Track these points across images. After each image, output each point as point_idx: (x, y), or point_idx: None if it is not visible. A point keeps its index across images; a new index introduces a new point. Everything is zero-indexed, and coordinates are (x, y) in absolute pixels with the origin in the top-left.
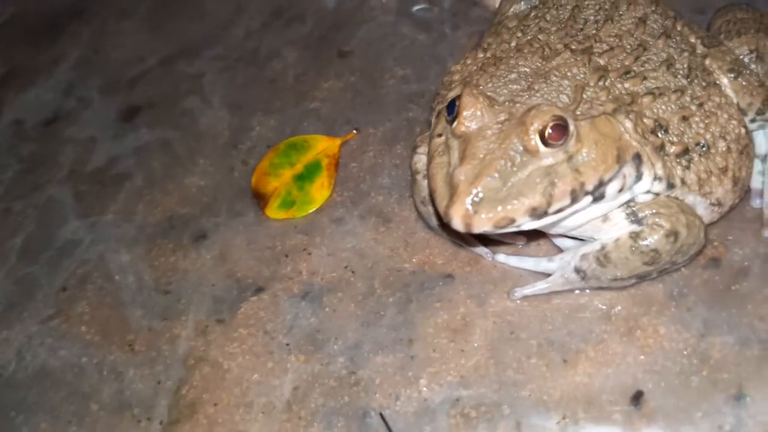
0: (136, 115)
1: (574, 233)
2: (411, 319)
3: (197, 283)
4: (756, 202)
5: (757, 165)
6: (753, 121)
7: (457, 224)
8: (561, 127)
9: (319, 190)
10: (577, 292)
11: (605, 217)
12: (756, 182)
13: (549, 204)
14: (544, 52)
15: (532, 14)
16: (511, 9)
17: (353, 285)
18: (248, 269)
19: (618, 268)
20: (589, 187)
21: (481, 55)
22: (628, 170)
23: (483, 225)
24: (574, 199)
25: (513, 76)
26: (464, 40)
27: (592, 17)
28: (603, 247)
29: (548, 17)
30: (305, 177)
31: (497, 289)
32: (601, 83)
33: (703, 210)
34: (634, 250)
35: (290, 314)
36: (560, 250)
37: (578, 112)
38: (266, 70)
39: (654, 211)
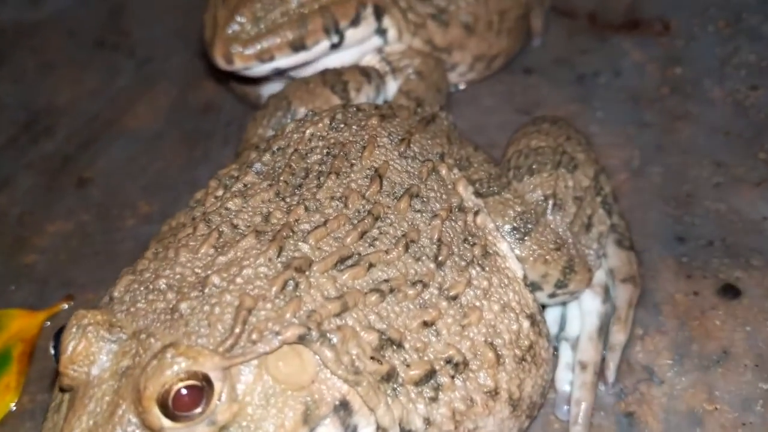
0: None
1: None
2: None
3: None
4: (562, 411)
5: (566, 354)
6: (553, 296)
7: None
8: (197, 389)
9: (4, 395)
10: None
11: None
12: (562, 382)
13: None
14: (219, 238)
15: (253, 156)
16: (257, 134)
17: None
18: None
19: None
20: None
21: (182, 218)
22: (328, 428)
23: None
24: None
25: (162, 283)
26: (232, 159)
27: (316, 166)
28: None
29: (258, 166)
30: None
31: None
32: (289, 289)
33: None
34: None
35: None
36: None
37: (237, 350)
38: None
39: None
